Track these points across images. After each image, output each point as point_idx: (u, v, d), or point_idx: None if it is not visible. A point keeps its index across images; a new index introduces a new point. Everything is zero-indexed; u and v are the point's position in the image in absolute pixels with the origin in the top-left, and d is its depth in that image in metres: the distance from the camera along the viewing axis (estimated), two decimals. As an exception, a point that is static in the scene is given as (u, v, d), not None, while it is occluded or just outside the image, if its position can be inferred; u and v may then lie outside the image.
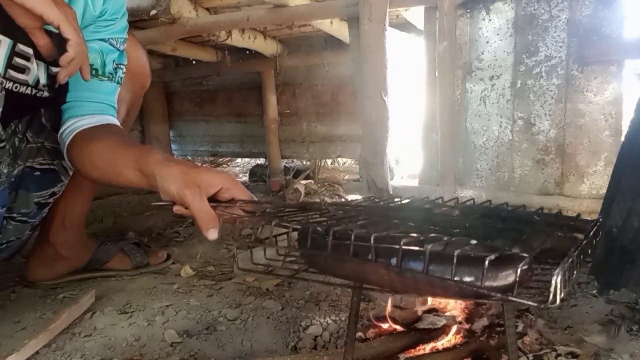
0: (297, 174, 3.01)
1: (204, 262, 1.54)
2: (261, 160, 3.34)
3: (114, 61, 1.14)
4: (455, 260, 0.44)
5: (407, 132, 2.60)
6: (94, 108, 1.09)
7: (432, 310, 1.01)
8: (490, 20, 1.83)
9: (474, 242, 0.47)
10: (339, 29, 2.28)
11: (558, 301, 0.42)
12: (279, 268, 0.59)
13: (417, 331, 0.96)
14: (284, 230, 0.59)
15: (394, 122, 1.88)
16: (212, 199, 0.77)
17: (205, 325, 1.09)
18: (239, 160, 4.01)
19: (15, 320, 1.14)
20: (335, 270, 0.55)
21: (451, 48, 1.79)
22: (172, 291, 1.30)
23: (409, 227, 0.56)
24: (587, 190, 1.73)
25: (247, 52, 2.86)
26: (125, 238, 1.65)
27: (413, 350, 0.94)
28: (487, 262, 0.43)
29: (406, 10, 2.14)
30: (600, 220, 0.67)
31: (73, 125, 1.06)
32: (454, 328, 0.96)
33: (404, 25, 2.37)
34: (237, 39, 2.40)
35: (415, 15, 2.17)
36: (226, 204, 0.77)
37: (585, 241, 0.54)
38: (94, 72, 1.09)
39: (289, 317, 1.11)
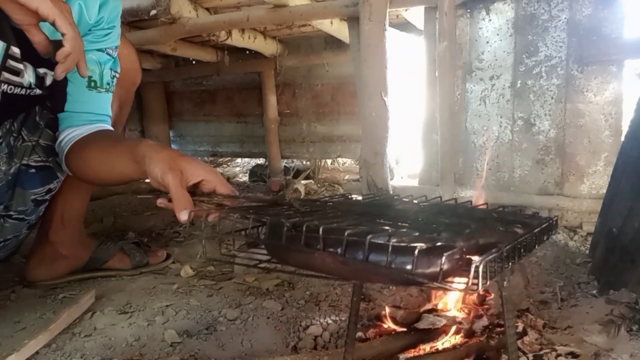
0: (297, 174, 3.01)
1: (204, 262, 1.54)
2: (261, 160, 3.34)
3: (111, 70, 1.16)
4: (390, 249, 0.48)
5: (407, 132, 2.59)
6: (91, 118, 1.12)
7: (432, 311, 1.01)
8: (490, 20, 1.83)
9: (416, 234, 0.51)
10: (339, 29, 2.28)
11: (480, 287, 0.46)
12: (242, 258, 0.64)
13: (417, 331, 0.96)
14: (249, 223, 0.63)
15: (394, 122, 1.88)
16: (195, 192, 0.81)
17: (205, 325, 1.09)
18: (239, 160, 4.01)
19: (15, 320, 1.14)
20: (290, 259, 0.59)
21: (451, 48, 1.79)
22: (172, 291, 1.30)
23: (363, 221, 0.60)
24: (587, 190, 1.73)
25: (247, 52, 2.86)
26: (125, 238, 1.65)
27: (413, 350, 0.94)
28: (417, 251, 0.47)
29: (406, 10, 2.14)
30: (555, 218, 0.70)
31: (70, 135, 1.09)
32: (454, 328, 0.96)
33: (404, 25, 2.37)
34: (237, 39, 2.40)
35: (415, 15, 2.17)
36: (206, 197, 0.80)
37: (525, 236, 0.57)
38: (92, 83, 1.12)
39: (289, 317, 1.11)
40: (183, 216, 0.75)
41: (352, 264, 0.52)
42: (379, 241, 0.50)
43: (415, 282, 0.49)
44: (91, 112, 1.13)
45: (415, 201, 0.81)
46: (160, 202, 0.81)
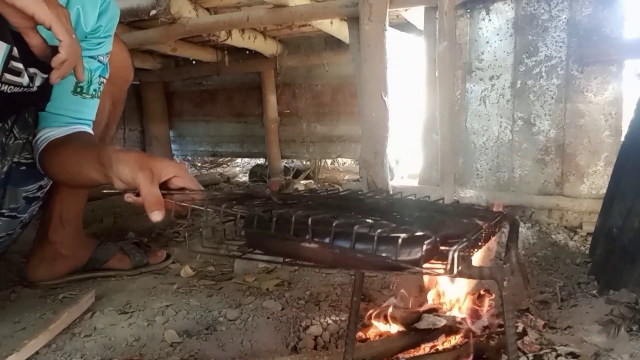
0: (297, 174, 3.01)
1: (204, 262, 1.54)
2: (261, 160, 3.34)
3: (100, 76, 1.16)
4: (376, 238, 0.54)
5: (407, 132, 2.60)
6: (69, 121, 1.12)
7: (432, 311, 1.01)
8: (490, 20, 1.83)
9: (393, 225, 0.57)
10: (339, 29, 2.28)
11: (455, 271, 0.53)
12: (225, 249, 0.66)
13: (417, 331, 0.96)
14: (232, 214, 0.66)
15: (394, 122, 1.88)
16: (164, 188, 0.80)
17: (205, 325, 1.09)
18: (239, 160, 4.01)
19: (15, 320, 1.14)
20: (278, 248, 0.63)
21: (451, 48, 1.79)
22: (172, 291, 1.30)
23: (341, 214, 0.64)
24: (587, 190, 1.73)
25: (247, 52, 2.86)
26: (125, 238, 1.64)
27: (413, 350, 0.94)
28: (400, 240, 0.53)
29: (406, 10, 2.14)
30: (504, 212, 0.76)
31: (47, 134, 1.09)
32: (454, 328, 0.96)
33: (404, 25, 2.37)
34: (237, 39, 2.40)
35: (415, 15, 2.17)
36: (176, 191, 0.79)
37: (484, 228, 0.65)
38: (78, 89, 1.12)
39: (289, 317, 1.11)
40: (155, 217, 0.75)
41: (340, 252, 0.57)
42: (366, 231, 0.55)
43: (399, 268, 0.54)
44: (71, 116, 1.13)
45: (377, 196, 0.85)
46: (128, 196, 0.80)
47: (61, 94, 1.11)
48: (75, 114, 1.13)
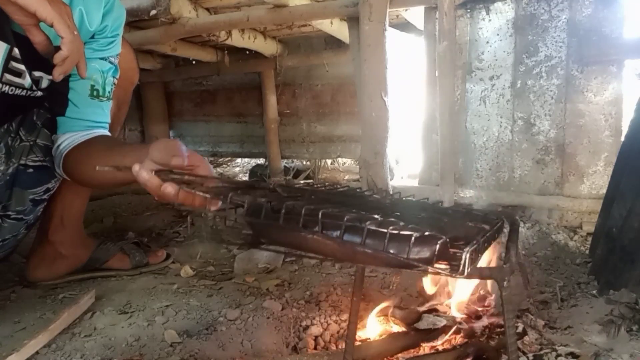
0: (297, 174, 3.01)
1: (204, 262, 1.54)
2: (261, 160, 3.34)
3: (113, 77, 1.17)
4: (388, 235, 0.55)
5: (407, 132, 2.59)
6: (90, 125, 1.14)
7: (433, 311, 1.01)
8: (490, 20, 1.83)
9: (402, 223, 0.58)
10: (339, 29, 2.28)
11: (466, 272, 0.53)
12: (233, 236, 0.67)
13: (417, 331, 0.96)
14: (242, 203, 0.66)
15: (394, 122, 1.88)
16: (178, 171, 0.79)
17: (205, 325, 1.09)
18: (239, 160, 4.00)
19: (15, 320, 1.14)
20: (285, 239, 0.64)
21: (451, 48, 1.79)
22: (172, 291, 1.30)
23: (346, 208, 0.65)
24: (587, 190, 1.73)
25: (247, 52, 2.86)
26: (125, 238, 1.65)
27: (413, 350, 0.94)
28: (413, 239, 0.54)
29: (406, 10, 2.14)
30: (503, 218, 0.76)
31: (70, 138, 1.10)
32: (454, 328, 0.96)
33: (404, 25, 2.37)
34: (237, 39, 2.40)
35: (415, 15, 2.17)
36: (177, 175, 0.77)
37: (490, 231, 0.65)
38: (95, 92, 1.14)
39: (289, 317, 1.11)
40: (176, 160, 0.74)
41: (350, 247, 0.57)
42: (377, 228, 0.55)
43: (409, 266, 0.55)
44: (90, 119, 1.14)
45: (376, 196, 0.85)
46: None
47: (79, 101, 1.12)
48: (94, 117, 1.15)
